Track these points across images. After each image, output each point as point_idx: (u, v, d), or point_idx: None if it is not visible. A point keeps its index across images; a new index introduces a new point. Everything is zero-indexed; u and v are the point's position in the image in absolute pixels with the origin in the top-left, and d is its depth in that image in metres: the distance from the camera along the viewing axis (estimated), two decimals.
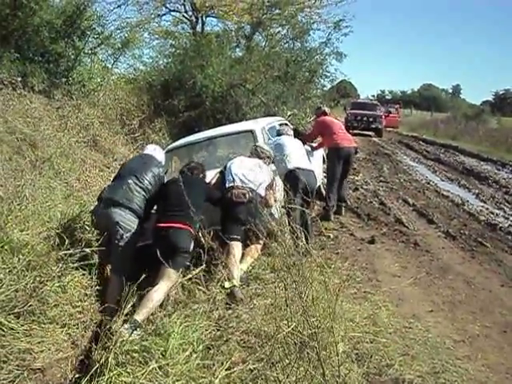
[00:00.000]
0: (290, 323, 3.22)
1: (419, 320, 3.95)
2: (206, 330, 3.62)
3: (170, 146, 7.81)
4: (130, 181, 4.63)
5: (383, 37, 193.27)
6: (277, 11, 15.08)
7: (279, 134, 6.59)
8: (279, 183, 5.58)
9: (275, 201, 5.23)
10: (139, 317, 3.82)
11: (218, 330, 3.66)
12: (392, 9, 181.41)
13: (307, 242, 5.33)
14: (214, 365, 3.17)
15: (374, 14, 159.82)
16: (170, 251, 4.15)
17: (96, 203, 4.84)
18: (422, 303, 4.36)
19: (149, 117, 12.51)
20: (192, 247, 4.34)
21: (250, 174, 5.03)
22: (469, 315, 4.18)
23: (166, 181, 4.98)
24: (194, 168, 5.00)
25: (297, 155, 6.02)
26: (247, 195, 4.76)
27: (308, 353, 2.88)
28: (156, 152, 5.25)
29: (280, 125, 8.34)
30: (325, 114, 8.09)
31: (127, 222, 4.48)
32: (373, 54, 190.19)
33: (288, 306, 3.37)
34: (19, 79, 8.82)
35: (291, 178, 5.74)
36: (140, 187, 4.62)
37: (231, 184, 4.91)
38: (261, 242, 4.66)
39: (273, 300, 3.65)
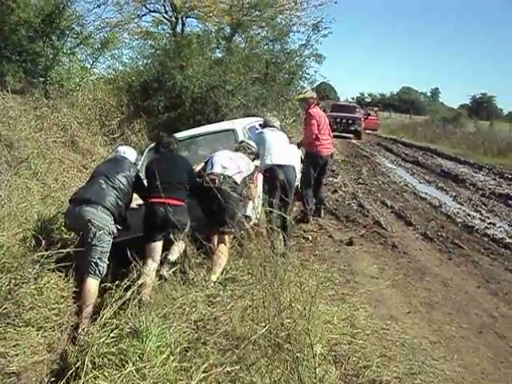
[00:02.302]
0: (266, 325, 3.23)
1: (396, 321, 3.98)
2: (184, 332, 3.59)
3: (151, 145, 7.82)
4: (101, 180, 4.62)
5: (363, 40, 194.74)
6: (256, 13, 15.06)
7: (264, 125, 6.58)
8: (260, 179, 5.58)
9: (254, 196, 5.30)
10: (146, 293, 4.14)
11: (196, 331, 3.63)
12: (371, 12, 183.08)
13: (285, 244, 5.36)
14: (191, 367, 3.15)
15: (354, 17, 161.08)
16: (169, 227, 4.49)
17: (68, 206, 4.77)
18: (399, 305, 4.41)
19: (128, 117, 12.41)
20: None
21: (229, 161, 5.08)
22: (445, 316, 4.24)
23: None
24: (169, 143, 5.15)
25: (277, 149, 5.96)
26: (217, 180, 4.74)
27: (284, 355, 2.89)
28: (127, 154, 5.22)
29: (260, 125, 8.38)
30: (317, 104, 7.75)
31: (99, 219, 4.41)
32: (353, 57, 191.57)
33: (266, 307, 3.39)
34: None
35: (269, 176, 5.77)
36: (112, 186, 4.60)
37: (209, 171, 4.98)
38: (228, 239, 4.66)
39: (250, 302, 3.66)
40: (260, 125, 8.37)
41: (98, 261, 4.38)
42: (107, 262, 4.48)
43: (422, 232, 6.73)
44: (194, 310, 3.89)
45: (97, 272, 4.37)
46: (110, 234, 4.48)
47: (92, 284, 4.33)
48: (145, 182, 4.98)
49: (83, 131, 9.79)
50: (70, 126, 9.37)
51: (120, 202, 4.61)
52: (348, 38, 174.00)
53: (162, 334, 3.47)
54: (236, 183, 4.95)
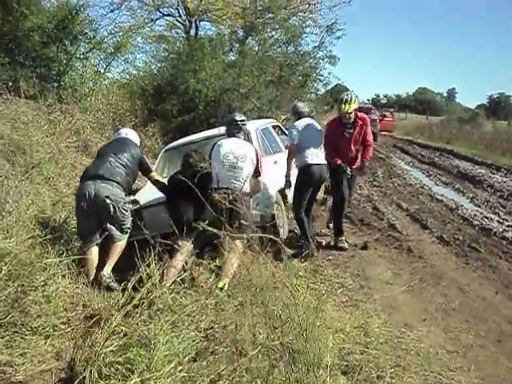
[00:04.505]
0: (275, 333, 3.15)
1: (411, 329, 3.85)
2: (193, 341, 3.52)
3: (167, 146, 7.91)
4: (110, 158, 4.98)
5: (378, 40, 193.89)
6: (269, 15, 15.03)
7: (300, 115, 6.31)
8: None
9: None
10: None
11: (205, 340, 3.56)
12: (386, 12, 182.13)
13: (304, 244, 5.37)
14: (199, 377, 3.08)
15: (369, 17, 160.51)
16: None
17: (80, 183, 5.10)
18: (414, 311, 4.26)
19: (142, 121, 12.44)
20: None
21: (233, 174, 4.99)
22: (462, 324, 4.08)
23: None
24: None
25: (315, 146, 5.98)
26: (226, 198, 4.68)
27: (295, 364, 2.80)
28: (130, 135, 5.57)
29: (273, 126, 8.31)
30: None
31: (116, 194, 4.82)
32: (368, 58, 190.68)
33: (275, 316, 3.31)
34: (10, 84, 8.77)
35: (305, 175, 5.88)
36: (120, 163, 4.97)
37: (215, 185, 4.97)
38: (240, 245, 4.59)
39: (260, 309, 3.57)
40: (273, 126, 8.32)
41: (121, 225, 4.92)
42: (131, 220, 5.04)
43: (438, 235, 6.57)
44: (203, 317, 3.82)
45: (122, 231, 4.95)
46: (125, 204, 4.97)
47: (122, 241, 4.96)
48: None
49: (96, 135, 9.79)
50: (82, 131, 9.39)
51: (129, 178, 5.05)
52: (363, 39, 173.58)
53: (170, 342, 3.41)
54: (246, 194, 4.99)
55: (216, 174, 5.01)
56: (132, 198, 5.73)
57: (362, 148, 6.26)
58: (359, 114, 6.23)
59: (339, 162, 6.03)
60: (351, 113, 6.02)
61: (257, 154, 5.16)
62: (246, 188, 5.01)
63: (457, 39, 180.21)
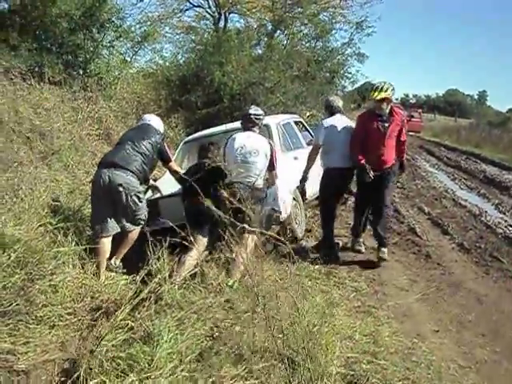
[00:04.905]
0: (281, 338, 3.06)
1: (423, 340, 3.70)
2: (198, 340, 3.45)
3: (187, 138, 7.89)
4: (127, 146, 4.95)
5: (410, 39, 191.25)
6: (299, 9, 14.85)
7: (333, 111, 6.02)
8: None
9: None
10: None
11: (210, 339, 3.48)
12: (419, 11, 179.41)
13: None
14: (201, 378, 3.00)
15: (401, 15, 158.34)
16: None
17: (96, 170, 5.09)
18: (428, 321, 4.09)
19: (165, 112, 12.41)
20: None
21: (245, 168, 4.91)
22: (478, 338, 3.88)
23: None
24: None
25: (343, 148, 5.69)
26: (237, 194, 4.55)
27: (298, 373, 2.71)
28: (153, 121, 5.47)
29: (295, 122, 8.19)
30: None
31: (129, 182, 4.79)
32: (399, 57, 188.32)
33: (283, 319, 3.22)
34: (36, 69, 8.80)
35: (330, 177, 5.78)
36: (137, 151, 4.93)
37: (227, 180, 4.91)
38: (251, 241, 4.49)
39: (269, 312, 3.48)
40: (295, 122, 8.18)
41: (134, 216, 4.89)
42: (146, 211, 5.03)
43: (459, 242, 6.36)
44: (210, 315, 3.75)
45: (134, 222, 4.93)
46: (139, 193, 4.94)
47: (133, 233, 4.96)
48: None
49: (119, 124, 9.80)
50: (105, 119, 9.39)
51: (145, 167, 4.98)
52: (395, 37, 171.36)
53: (174, 339, 3.35)
54: (257, 189, 4.86)
55: (229, 168, 4.94)
56: (154, 183, 5.76)
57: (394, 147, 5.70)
58: (396, 109, 5.70)
59: (363, 161, 5.54)
60: (383, 102, 5.49)
61: (271, 148, 5.03)
62: (260, 183, 4.90)
63: (490, 41, 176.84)
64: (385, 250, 5.63)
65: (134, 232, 4.96)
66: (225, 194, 4.34)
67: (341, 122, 5.88)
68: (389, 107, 5.57)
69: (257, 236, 4.28)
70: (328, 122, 5.89)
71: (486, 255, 5.89)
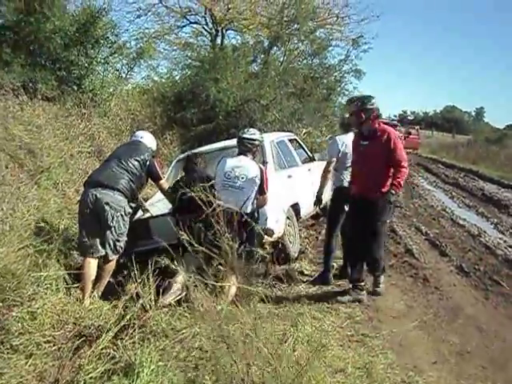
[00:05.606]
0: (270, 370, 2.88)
1: (421, 374, 3.46)
2: (182, 371, 3.27)
3: (180, 156, 7.87)
4: (113, 164, 4.89)
5: (409, 56, 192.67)
6: (295, 26, 14.79)
7: (348, 129, 5.66)
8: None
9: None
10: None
11: (195, 370, 3.30)
12: (417, 27, 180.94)
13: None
14: None
15: (398, 32, 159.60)
16: None
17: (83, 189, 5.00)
18: (425, 352, 3.85)
19: (160, 129, 12.32)
20: None
21: (232, 193, 4.82)
22: (478, 370, 3.63)
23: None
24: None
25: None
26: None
27: None
28: (144, 138, 5.39)
29: (290, 140, 8.06)
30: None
31: (116, 201, 4.69)
32: (397, 73, 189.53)
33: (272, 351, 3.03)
34: (30, 85, 8.69)
35: (341, 197, 5.39)
36: (123, 169, 4.85)
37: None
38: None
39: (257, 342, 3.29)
40: (289, 140, 8.03)
41: (115, 241, 4.74)
42: (125, 239, 4.86)
43: (458, 265, 6.16)
44: (196, 344, 3.56)
45: (115, 250, 4.77)
46: (126, 215, 4.82)
47: (111, 264, 4.82)
48: None
49: (112, 141, 9.67)
50: (98, 136, 9.26)
51: (132, 185, 4.87)
52: (392, 54, 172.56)
53: (156, 372, 3.17)
54: (245, 214, 4.71)
55: (216, 192, 4.83)
56: (144, 204, 5.70)
57: (386, 171, 4.84)
58: (384, 126, 4.98)
59: (354, 189, 5.12)
60: (352, 116, 5.02)
61: (262, 174, 4.90)
62: (248, 208, 4.79)
63: (488, 59, 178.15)
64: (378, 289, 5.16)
65: (112, 263, 4.85)
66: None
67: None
68: (368, 123, 4.88)
69: (236, 278, 4.12)
70: (342, 138, 5.62)
71: (486, 278, 5.70)
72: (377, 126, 4.90)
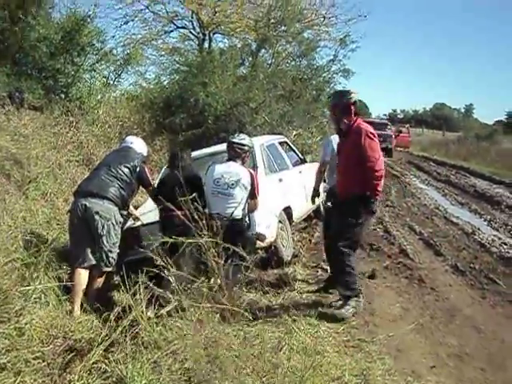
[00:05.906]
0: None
1: (419, 379, 3.35)
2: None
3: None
4: (102, 172, 4.83)
5: (397, 55, 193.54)
6: (282, 28, 14.76)
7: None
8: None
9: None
10: None
11: (188, 382, 3.21)
12: (405, 27, 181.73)
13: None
14: None
15: (387, 32, 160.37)
16: None
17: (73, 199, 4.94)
18: (423, 356, 3.74)
19: (149, 135, 12.21)
20: None
21: (221, 199, 4.84)
22: (477, 373, 3.53)
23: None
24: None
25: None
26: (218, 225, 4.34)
27: None
28: (135, 144, 5.32)
29: (280, 143, 8.00)
30: None
31: (106, 210, 4.63)
32: (386, 74, 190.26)
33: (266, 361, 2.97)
34: (17, 94, 8.57)
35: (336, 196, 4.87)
36: (113, 176, 4.78)
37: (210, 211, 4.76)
38: None
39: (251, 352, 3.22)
40: (280, 143, 7.97)
41: (108, 252, 4.67)
42: (117, 251, 4.79)
43: (453, 264, 6.09)
44: (189, 356, 3.47)
45: (108, 262, 4.69)
46: (117, 223, 4.75)
47: (103, 272, 4.76)
48: None
49: (101, 149, 9.54)
50: (86, 144, 9.15)
51: (123, 192, 4.80)
52: (381, 54, 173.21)
53: None
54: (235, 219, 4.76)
55: (206, 198, 4.82)
56: (134, 212, 5.62)
57: (358, 170, 4.39)
58: (360, 124, 4.51)
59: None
60: (332, 112, 4.71)
61: (252, 179, 4.86)
62: (239, 214, 4.77)
63: (475, 55, 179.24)
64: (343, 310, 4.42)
65: (104, 274, 4.81)
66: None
67: None
68: (345, 118, 4.52)
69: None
70: (336, 138, 5.17)
71: (482, 277, 5.62)
72: (352, 122, 4.53)
